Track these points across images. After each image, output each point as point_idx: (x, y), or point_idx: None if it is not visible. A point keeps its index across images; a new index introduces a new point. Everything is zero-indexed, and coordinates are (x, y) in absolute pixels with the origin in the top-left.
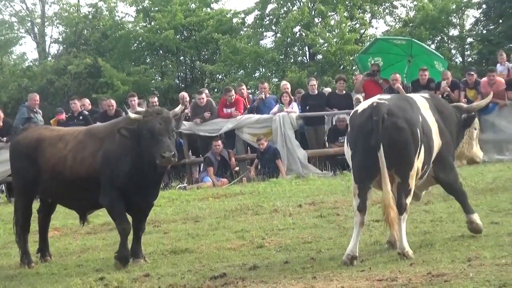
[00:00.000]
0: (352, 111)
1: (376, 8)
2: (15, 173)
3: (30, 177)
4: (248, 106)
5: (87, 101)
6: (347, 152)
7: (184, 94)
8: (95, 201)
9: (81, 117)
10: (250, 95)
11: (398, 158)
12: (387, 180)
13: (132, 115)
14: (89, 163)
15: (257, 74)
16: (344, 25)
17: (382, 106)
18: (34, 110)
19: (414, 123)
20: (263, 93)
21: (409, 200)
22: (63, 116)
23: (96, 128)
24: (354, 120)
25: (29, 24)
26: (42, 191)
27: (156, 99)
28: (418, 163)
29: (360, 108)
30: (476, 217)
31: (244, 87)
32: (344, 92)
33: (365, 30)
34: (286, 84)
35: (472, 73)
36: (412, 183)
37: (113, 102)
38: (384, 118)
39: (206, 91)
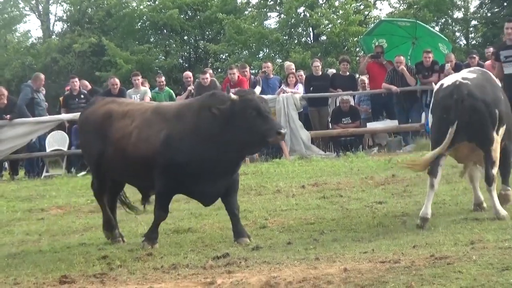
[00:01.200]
0: (438, 84)
1: None
2: (85, 147)
3: (97, 151)
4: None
5: (85, 82)
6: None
7: (189, 74)
8: (152, 182)
9: (82, 96)
10: (253, 76)
11: (477, 135)
12: (439, 149)
13: (233, 95)
14: (151, 142)
15: (261, 55)
16: (349, 6)
17: (463, 86)
18: (40, 89)
19: (494, 104)
20: (265, 69)
21: (495, 171)
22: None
23: (165, 107)
24: (437, 93)
25: (33, 1)
26: (106, 167)
27: (163, 78)
28: (498, 138)
29: (445, 83)
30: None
31: (247, 69)
32: (347, 73)
33: (370, 12)
34: (291, 65)
35: (474, 56)
36: (496, 155)
37: (117, 80)
38: (464, 99)
39: (210, 71)
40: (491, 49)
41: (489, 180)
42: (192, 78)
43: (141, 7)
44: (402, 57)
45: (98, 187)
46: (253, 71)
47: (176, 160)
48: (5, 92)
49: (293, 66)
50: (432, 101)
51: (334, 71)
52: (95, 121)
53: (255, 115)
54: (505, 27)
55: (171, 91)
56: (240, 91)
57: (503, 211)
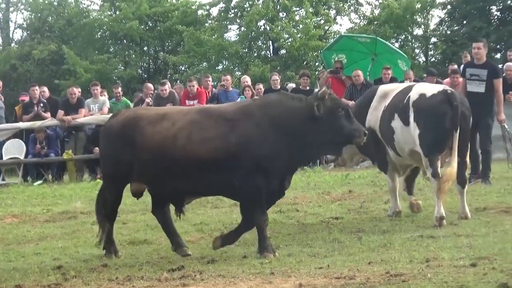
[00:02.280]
0: (418, 95)
1: (341, 5)
2: (107, 158)
3: (126, 160)
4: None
5: (44, 89)
6: (414, 128)
7: (150, 86)
8: (205, 186)
9: (41, 104)
10: (214, 89)
11: (461, 141)
12: (456, 157)
13: (326, 92)
14: (216, 146)
15: (220, 67)
16: (309, 20)
17: (456, 94)
18: None
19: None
20: (224, 82)
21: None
22: (27, 98)
23: (220, 109)
24: (423, 103)
25: None
26: (138, 175)
27: (120, 89)
28: None
29: (427, 92)
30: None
31: (210, 78)
32: (307, 88)
33: (330, 27)
34: (245, 78)
35: (433, 77)
36: (467, 161)
37: (75, 90)
38: (459, 106)
39: (168, 83)
40: (455, 66)
41: (464, 182)
42: (153, 89)
43: (102, 17)
44: (359, 71)
45: (115, 200)
46: (213, 83)
47: (263, 158)
48: None
49: (248, 79)
50: (414, 110)
51: (293, 85)
52: (124, 127)
53: (343, 114)
54: (472, 47)
55: (129, 101)
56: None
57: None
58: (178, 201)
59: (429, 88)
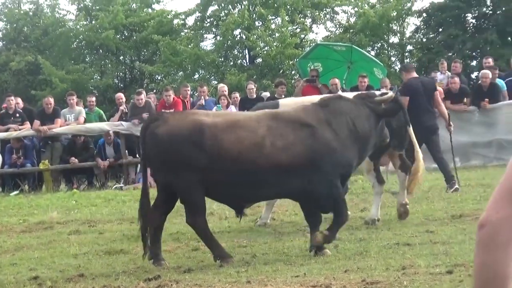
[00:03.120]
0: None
1: (317, 13)
2: (179, 166)
3: (199, 166)
4: (189, 108)
5: (19, 100)
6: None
7: (121, 95)
8: (279, 190)
9: (17, 115)
10: (191, 98)
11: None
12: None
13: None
14: (297, 151)
15: (196, 76)
16: (285, 29)
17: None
18: None
19: None
20: (202, 98)
21: None
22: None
23: (292, 114)
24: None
25: None
26: (210, 181)
27: (94, 98)
28: None
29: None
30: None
31: (188, 88)
32: (283, 96)
33: (306, 35)
34: (223, 87)
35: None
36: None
37: (51, 100)
38: None
39: (144, 92)
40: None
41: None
42: (124, 99)
43: (78, 26)
44: (336, 79)
45: (165, 207)
46: (190, 92)
47: (342, 162)
48: None
49: (225, 88)
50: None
51: (268, 94)
52: (191, 134)
53: (402, 120)
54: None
55: (101, 111)
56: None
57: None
58: (240, 206)
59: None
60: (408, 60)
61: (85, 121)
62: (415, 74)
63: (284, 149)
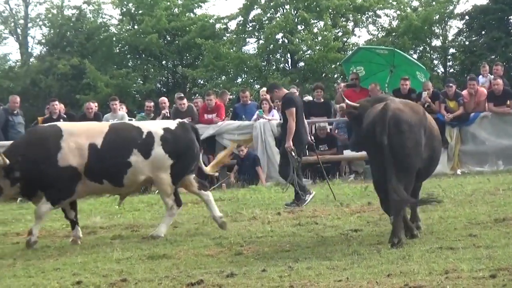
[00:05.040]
0: (163, 130)
1: (359, 16)
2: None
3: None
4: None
5: (62, 106)
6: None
7: (164, 99)
8: None
9: (61, 120)
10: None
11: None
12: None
13: None
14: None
15: (239, 80)
16: (329, 32)
17: (189, 125)
18: (15, 112)
19: None
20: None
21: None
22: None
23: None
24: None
25: (12, 24)
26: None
27: (152, 103)
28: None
29: (170, 126)
30: None
31: (228, 96)
32: (322, 100)
33: (348, 39)
34: (264, 91)
35: (451, 85)
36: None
37: (92, 105)
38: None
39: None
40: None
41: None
42: (167, 103)
43: (121, 31)
44: (375, 84)
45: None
46: (232, 97)
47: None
48: None
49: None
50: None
51: (310, 98)
52: (424, 119)
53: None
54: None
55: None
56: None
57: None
58: None
59: (168, 123)
60: (451, 63)
61: None
62: (286, 90)
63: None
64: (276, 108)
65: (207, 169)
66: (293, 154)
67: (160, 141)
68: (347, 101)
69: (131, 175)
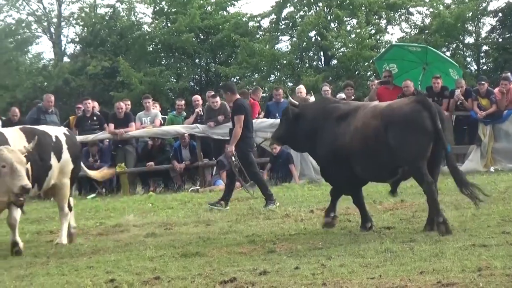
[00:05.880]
0: (66, 136)
1: (392, 14)
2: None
3: None
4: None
5: (96, 103)
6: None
7: (198, 97)
8: None
9: (95, 118)
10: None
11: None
12: None
13: None
14: None
15: (272, 78)
16: (363, 30)
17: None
18: (50, 111)
19: None
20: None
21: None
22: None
23: None
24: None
25: (45, 23)
26: None
27: (183, 102)
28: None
29: (68, 132)
30: None
31: (261, 93)
32: (353, 98)
33: (381, 36)
34: (300, 88)
35: (483, 82)
36: None
37: (122, 105)
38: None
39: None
40: (508, 74)
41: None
42: (200, 101)
43: (155, 29)
44: (409, 81)
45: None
46: (264, 94)
47: None
48: (18, 112)
49: (303, 89)
50: None
51: (344, 95)
52: None
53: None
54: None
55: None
56: None
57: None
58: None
59: (62, 128)
60: (484, 60)
61: (162, 124)
62: (238, 95)
63: None
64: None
65: (92, 174)
66: (233, 159)
67: (66, 145)
68: (290, 98)
69: (49, 179)
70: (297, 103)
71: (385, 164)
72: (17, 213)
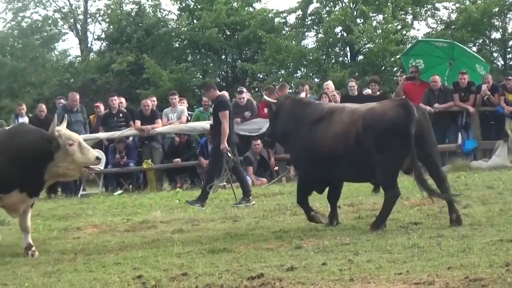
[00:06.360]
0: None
1: (418, 9)
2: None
3: None
4: None
5: (123, 100)
6: None
7: (224, 93)
8: None
9: (121, 115)
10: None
11: None
12: None
13: None
14: None
15: (298, 74)
16: (389, 25)
17: None
18: (75, 109)
19: None
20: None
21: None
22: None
23: None
24: None
25: (72, 20)
26: None
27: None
28: None
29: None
30: None
31: (287, 89)
32: (378, 93)
33: (407, 32)
34: (328, 84)
35: (510, 77)
36: None
37: (148, 102)
38: None
39: (245, 90)
40: None
41: None
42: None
43: (180, 26)
44: (437, 76)
45: None
46: (291, 91)
47: None
48: (45, 109)
49: (331, 85)
50: None
51: (370, 91)
52: None
53: None
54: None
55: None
56: None
57: None
58: None
59: None
60: (510, 55)
61: (188, 120)
62: (219, 92)
63: None
64: (334, 102)
65: None
66: (229, 154)
67: None
68: (265, 97)
69: None
70: (274, 101)
71: (365, 167)
72: (29, 218)
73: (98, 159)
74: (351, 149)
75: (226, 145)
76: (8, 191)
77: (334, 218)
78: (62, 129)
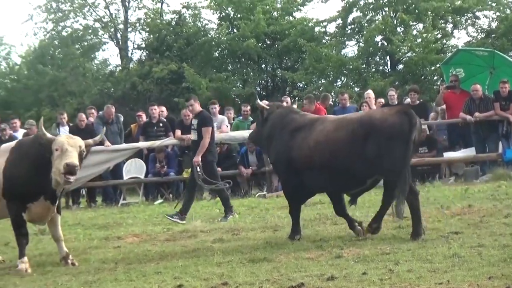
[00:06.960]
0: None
1: (458, 18)
2: None
3: None
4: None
5: (164, 108)
6: None
7: (265, 102)
8: None
9: (161, 124)
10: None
11: None
12: None
13: None
14: None
15: (339, 83)
16: (430, 34)
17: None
18: (110, 121)
19: None
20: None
21: None
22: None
23: None
24: None
25: (112, 29)
26: None
27: (248, 107)
28: None
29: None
30: None
31: (330, 101)
32: (417, 102)
33: (447, 41)
34: (369, 93)
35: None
36: None
37: (189, 112)
38: None
39: (288, 99)
40: None
41: None
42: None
43: (220, 35)
44: (478, 85)
45: None
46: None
47: None
48: (84, 118)
49: (371, 94)
50: None
51: (409, 100)
52: None
53: None
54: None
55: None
56: None
57: None
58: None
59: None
60: None
61: (231, 129)
62: (200, 107)
63: None
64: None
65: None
66: (199, 169)
67: None
68: (258, 101)
69: None
70: (267, 107)
71: (354, 175)
72: (59, 227)
73: (67, 166)
74: (344, 158)
75: (199, 159)
76: (36, 198)
77: (353, 227)
78: (60, 136)
